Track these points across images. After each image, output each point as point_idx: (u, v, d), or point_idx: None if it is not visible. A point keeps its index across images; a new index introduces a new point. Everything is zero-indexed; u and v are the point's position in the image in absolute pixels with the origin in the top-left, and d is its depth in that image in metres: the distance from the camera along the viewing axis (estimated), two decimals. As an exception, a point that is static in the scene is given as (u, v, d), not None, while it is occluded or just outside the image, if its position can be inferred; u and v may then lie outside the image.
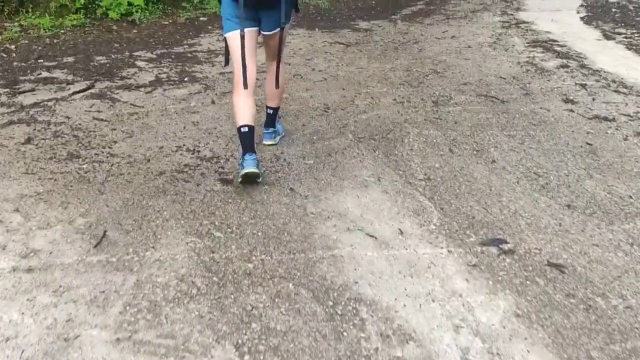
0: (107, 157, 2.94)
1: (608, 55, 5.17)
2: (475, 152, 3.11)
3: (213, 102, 3.91)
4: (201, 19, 6.79)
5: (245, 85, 2.74)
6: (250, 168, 2.57)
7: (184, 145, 3.15)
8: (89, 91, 4.04)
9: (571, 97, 4.04)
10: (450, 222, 2.39)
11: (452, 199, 2.59)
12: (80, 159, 2.89)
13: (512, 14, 7.24)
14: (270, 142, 3.17)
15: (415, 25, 6.87)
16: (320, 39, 6.18)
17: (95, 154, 2.97)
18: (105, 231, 2.21)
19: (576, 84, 4.38)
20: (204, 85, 4.29)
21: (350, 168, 2.89)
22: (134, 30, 6.03)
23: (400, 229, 2.32)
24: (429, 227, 2.35)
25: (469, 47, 5.69)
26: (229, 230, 2.28)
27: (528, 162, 2.99)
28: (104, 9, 6.25)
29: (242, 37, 2.64)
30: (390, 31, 6.58)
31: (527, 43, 5.73)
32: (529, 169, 2.91)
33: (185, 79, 4.45)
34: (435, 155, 3.06)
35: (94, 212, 2.36)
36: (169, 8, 6.88)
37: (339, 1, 8.71)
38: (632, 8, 7.05)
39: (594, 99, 4.01)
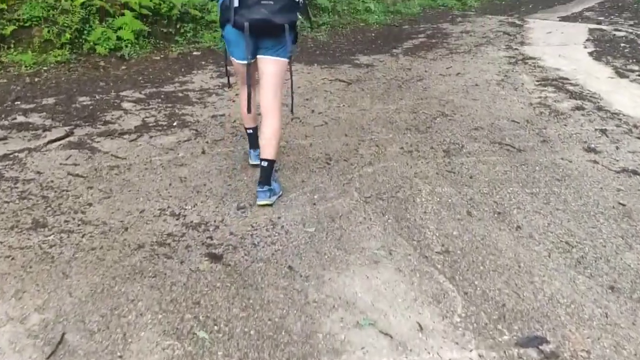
0: (79, 225, 2.57)
1: (624, 96, 4.88)
2: (496, 215, 2.76)
3: (204, 152, 3.56)
4: (194, 53, 6.50)
5: (249, 110, 2.90)
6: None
7: (168, 207, 2.79)
8: (67, 139, 3.69)
9: (593, 146, 3.72)
10: (477, 312, 2.02)
11: (477, 279, 2.22)
12: (47, 229, 2.52)
13: (517, 49, 6.99)
14: (264, 202, 2.84)
15: (418, 60, 6.60)
16: (319, 75, 5.88)
17: (65, 221, 2.60)
18: (63, 334, 1.82)
19: (595, 129, 4.06)
20: (194, 131, 3.95)
21: (357, 238, 2.53)
22: (123, 67, 5.72)
23: (419, 323, 1.95)
24: (453, 319, 1.98)
25: (476, 85, 5.40)
26: (215, 327, 1.90)
27: (557, 228, 2.64)
28: (92, 43, 5.94)
29: (249, 66, 2.77)
30: (392, 67, 6.30)
31: (537, 81, 5.45)
32: (559, 237, 2.56)
33: (175, 124, 4.11)
34: (452, 220, 2.71)
35: (53, 305, 1.97)
36: (161, 42, 6.58)
37: (338, 34, 8.47)
38: (641, 43, 6.83)
39: (617, 148, 3.69)
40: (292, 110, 3.23)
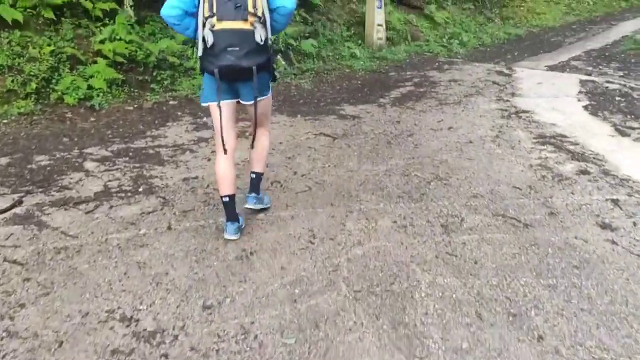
0: (1, 339, 2.08)
1: (630, 158, 4.56)
2: (511, 319, 2.33)
3: (169, 228, 3.11)
4: (170, 102, 6.11)
5: (225, 151, 3.03)
6: (230, 236, 3.02)
7: (118, 308, 2.32)
8: (13, 211, 3.22)
9: (607, 221, 3.35)
10: None
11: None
12: (-42, 347, 2.03)
13: (508, 100, 6.72)
14: (251, 206, 3.34)
15: (406, 112, 6.28)
16: (302, 129, 5.52)
17: (-14, 332, 2.12)
18: None
19: (606, 199, 3.70)
20: (161, 200, 3.51)
21: (347, 353, 2.08)
22: (92, 118, 5.30)
23: None
24: None
25: (471, 142, 5.06)
26: None
27: (586, 337, 2.21)
28: (60, 93, 5.53)
29: (220, 108, 2.96)
30: (380, 119, 5.97)
31: (534, 138, 5.13)
32: (591, 351, 2.13)
33: (140, 189, 3.67)
34: (459, 325, 2.27)
35: None
36: (136, 91, 6.19)
37: (323, 81, 8.18)
38: (636, 96, 6.59)
39: (635, 224, 3.31)
40: (252, 145, 3.33)
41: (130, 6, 6.70)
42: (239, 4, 2.75)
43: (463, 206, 3.57)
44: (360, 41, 10.38)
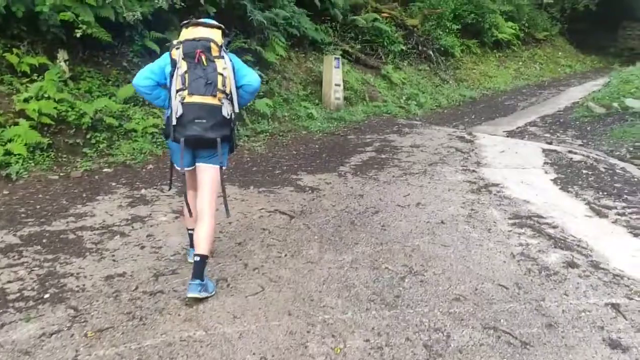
0: None
1: (615, 246, 4.15)
2: None
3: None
4: (105, 170, 5.39)
5: (190, 214, 3.27)
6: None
7: None
8: None
9: (614, 336, 2.84)
10: None
11: None
12: None
13: (475, 171, 6.35)
14: (194, 295, 3.02)
15: (369, 182, 5.79)
16: (256, 204, 4.90)
17: None
18: None
19: (605, 303, 3.21)
20: (71, 312, 2.76)
21: None
22: (4, 192, 4.50)
23: None
24: None
25: (442, 222, 4.56)
26: None
27: None
28: (-30, 159, 4.74)
29: (184, 175, 3.19)
30: (341, 192, 5.43)
31: (510, 219, 4.69)
32: None
33: (47, 295, 2.91)
34: None
35: None
36: (64, 156, 5.43)
37: (278, 144, 7.65)
38: (602, 169, 6.36)
39: (646, 340, 2.82)
40: (227, 214, 3.32)
41: (65, 61, 6.03)
42: (209, 82, 2.99)
43: (446, 314, 2.99)
44: (317, 101, 10.01)
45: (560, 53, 18.59)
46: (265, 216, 4.64)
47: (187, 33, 3.09)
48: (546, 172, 6.31)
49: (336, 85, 10.03)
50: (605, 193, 5.44)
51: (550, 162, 6.74)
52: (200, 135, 3.00)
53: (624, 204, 5.13)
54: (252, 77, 3.23)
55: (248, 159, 6.70)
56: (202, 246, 3.10)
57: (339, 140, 8.25)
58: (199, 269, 3.07)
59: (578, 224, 4.62)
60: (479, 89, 14.51)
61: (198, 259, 3.07)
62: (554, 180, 5.95)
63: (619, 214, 4.87)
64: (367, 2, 13.06)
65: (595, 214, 4.88)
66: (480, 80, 15.18)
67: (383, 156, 7.17)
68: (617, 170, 6.35)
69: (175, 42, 3.08)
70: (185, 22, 3.18)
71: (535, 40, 18.15)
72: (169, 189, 4.00)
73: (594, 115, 9.87)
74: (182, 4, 7.17)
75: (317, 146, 7.79)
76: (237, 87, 3.17)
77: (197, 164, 3.19)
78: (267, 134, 7.99)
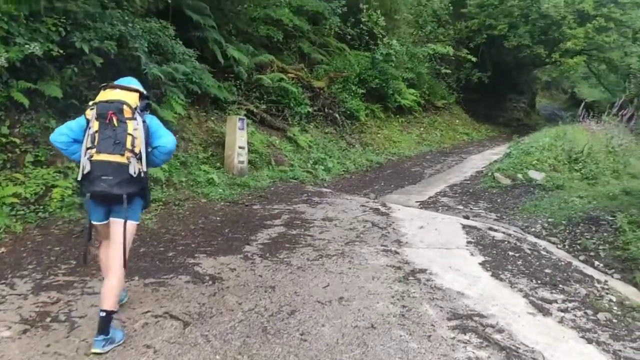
0: None
1: (572, 356, 3.60)
2: None
3: None
4: None
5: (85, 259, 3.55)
6: (96, 349, 3.15)
7: None
8: None
9: None
10: None
11: None
12: None
13: (397, 252, 5.71)
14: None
15: (281, 269, 4.92)
16: (140, 304, 3.85)
17: None
18: None
19: None
20: None
21: None
22: None
23: None
24: None
25: (373, 327, 3.79)
26: None
27: None
28: None
29: (91, 227, 3.47)
30: (248, 282, 4.52)
31: (449, 319, 4.01)
32: None
33: None
34: None
35: None
36: None
37: (174, 216, 6.61)
38: (527, 250, 6.01)
39: None
40: (125, 265, 3.37)
41: None
42: (118, 141, 3.19)
43: None
44: (219, 164, 9.09)
45: (457, 121, 19.33)
46: (152, 323, 3.60)
47: (103, 95, 3.31)
48: (472, 254, 5.81)
49: (240, 147, 9.21)
50: (540, 282, 4.99)
51: (473, 241, 6.29)
52: (107, 192, 3.20)
53: (562, 296, 4.68)
54: (167, 140, 3.46)
55: (135, 237, 5.57)
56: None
57: (244, 211, 7.35)
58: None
59: (524, 325, 4.04)
60: (384, 153, 14.39)
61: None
62: (483, 265, 5.45)
63: (561, 310, 4.39)
64: (273, 61, 12.57)
65: (537, 310, 4.36)
66: (385, 145, 15.13)
67: (294, 232, 6.36)
68: (542, 252, 6.03)
69: (91, 103, 3.31)
70: (103, 84, 3.39)
71: (435, 108, 18.74)
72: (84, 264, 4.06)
73: (501, 187, 9.86)
74: (60, 52, 6.08)
75: (218, 218, 6.83)
76: (153, 148, 3.42)
77: (110, 218, 3.37)
78: (161, 203, 6.91)
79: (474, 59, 18.33)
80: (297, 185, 9.59)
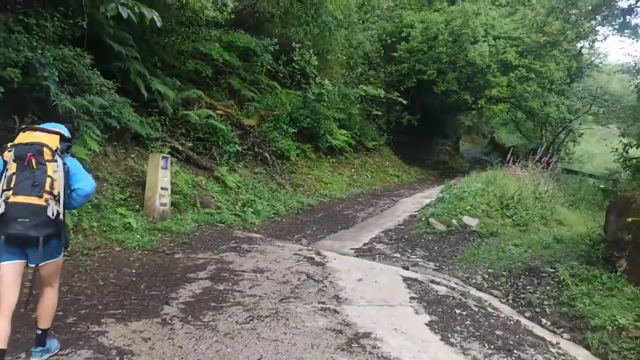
0: None
1: None
2: None
3: None
4: None
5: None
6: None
7: None
8: None
9: None
10: None
11: None
12: None
13: (336, 311, 5.16)
14: (38, 359, 3.51)
15: (205, 336, 4.24)
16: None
17: None
18: None
19: None
20: None
21: None
22: None
23: None
24: None
25: (315, 414, 3.18)
26: None
27: None
28: None
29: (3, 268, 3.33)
30: (165, 355, 3.79)
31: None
32: None
33: None
34: None
35: None
36: None
37: (80, 270, 5.80)
38: (474, 307, 5.65)
39: None
40: (25, 308, 3.54)
41: None
42: (36, 183, 3.25)
43: None
44: (138, 207, 8.25)
45: (388, 162, 19.37)
46: None
47: (23, 137, 3.34)
48: (417, 312, 5.37)
49: (162, 188, 8.42)
50: (493, 347, 4.59)
51: (416, 296, 5.86)
52: (21, 233, 3.20)
53: (518, 364, 4.30)
54: (86, 182, 3.56)
55: (29, 299, 4.67)
56: (44, 322, 3.57)
57: (164, 261, 6.57)
58: (42, 339, 3.56)
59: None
60: (315, 195, 13.96)
61: (40, 332, 3.55)
62: (430, 326, 5.00)
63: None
64: (201, 97, 11.95)
65: (493, 381, 3.93)
66: (316, 186, 14.72)
67: (221, 287, 5.67)
68: (488, 309, 5.70)
69: (9, 144, 3.32)
70: (22, 127, 3.49)
71: (366, 149, 18.70)
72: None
73: (436, 233, 9.64)
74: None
75: (134, 271, 6.03)
76: (72, 190, 3.49)
77: (29, 264, 3.40)
78: (66, 253, 5.98)
79: (404, 102, 18.57)
80: (224, 230, 8.89)
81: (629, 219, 5.80)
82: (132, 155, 9.13)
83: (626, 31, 12.60)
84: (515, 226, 10.18)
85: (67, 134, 3.57)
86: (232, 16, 11.85)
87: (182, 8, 11.05)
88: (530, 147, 22.71)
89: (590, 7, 11.18)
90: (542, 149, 15.00)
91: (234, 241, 8.08)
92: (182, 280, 5.81)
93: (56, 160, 3.32)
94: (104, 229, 7.11)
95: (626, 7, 11.16)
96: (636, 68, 12.27)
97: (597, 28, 13.38)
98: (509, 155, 13.71)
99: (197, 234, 8.31)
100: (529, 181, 12.84)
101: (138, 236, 7.29)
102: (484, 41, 17.28)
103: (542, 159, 14.55)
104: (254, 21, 15.24)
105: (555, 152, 18.68)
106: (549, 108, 18.47)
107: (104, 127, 8.16)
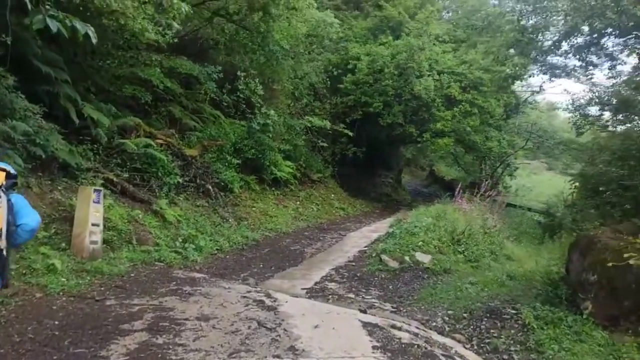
0: None
1: None
2: None
3: None
4: None
5: None
6: None
7: None
8: None
9: None
10: None
11: None
12: None
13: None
14: None
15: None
16: None
17: None
18: None
19: None
20: None
21: None
22: None
23: None
24: None
25: None
26: None
27: None
28: None
29: None
30: None
31: None
32: None
33: None
34: None
35: None
36: None
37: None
38: (441, 357, 5.20)
39: None
40: None
41: None
42: None
43: None
44: (64, 245, 7.39)
45: (333, 195, 19.01)
46: None
47: None
48: (382, 366, 4.87)
49: (94, 225, 7.59)
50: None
51: (379, 345, 5.37)
52: None
53: None
54: (30, 218, 3.64)
55: None
56: None
57: (93, 309, 5.77)
58: None
59: None
60: (260, 229, 13.31)
61: None
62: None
63: None
64: (140, 125, 11.17)
65: None
66: (261, 220, 14.08)
67: (160, 340, 4.98)
68: (456, 357, 5.27)
69: None
70: None
71: (311, 181, 18.28)
72: None
73: (389, 270, 9.26)
74: None
75: (57, 322, 5.22)
76: (16, 226, 3.54)
77: None
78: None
79: (350, 134, 18.39)
80: (163, 270, 8.11)
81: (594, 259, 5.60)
82: (60, 188, 8.23)
83: (550, 71, 13.14)
84: (467, 262, 9.97)
85: (12, 171, 3.64)
86: (175, 40, 11.23)
87: (120, 30, 10.33)
88: (470, 180, 23.09)
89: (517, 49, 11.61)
90: (487, 182, 15.13)
91: (174, 283, 7.33)
92: (114, 333, 5.06)
93: (0, 196, 3.41)
94: (23, 271, 6.24)
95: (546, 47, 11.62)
96: (574, 105, 12.62)
97: (528, 68, 13.83)
98: (458, 189, 13.69)
99: (132, 275, 7.50)
100: (476, 215, 12.80)
101: (63, 279, 6.44)
102: (429, 75, 17.48)
103: (487, 193, 14.64)
104: (197, 48, 14.66)
105: (494, 185, 18.98)
106: (490, 142, 18.86)
107: (27, 156, 7.30)
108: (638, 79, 10.06)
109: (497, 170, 23.72)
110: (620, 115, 9.44)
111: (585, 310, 5.65)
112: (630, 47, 10.92)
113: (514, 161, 23.44)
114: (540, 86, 15.92)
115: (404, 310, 7.11)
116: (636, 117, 8.89)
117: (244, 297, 6.87)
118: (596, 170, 7.34)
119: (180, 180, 11.49)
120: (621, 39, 10.87)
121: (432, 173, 35.99)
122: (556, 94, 74.89)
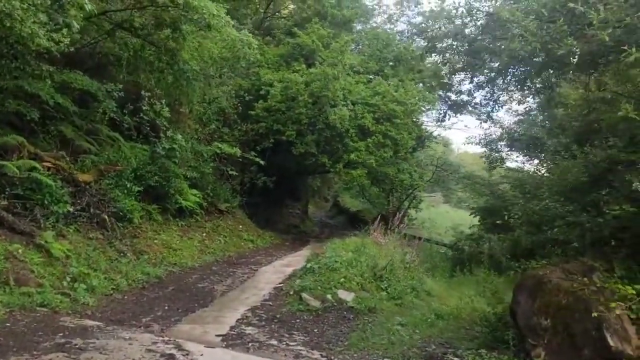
0: None
1: None
2: None
3: None
4: None
5: None
6: None
7: None
8: None
9: None
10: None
11: None
12: None
13: None
14: None
15: None
16: None
17: None
18: None
19: None
20: None
21: None
22: None
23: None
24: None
25: None
26: None
27: None
28: None
29: None
30: None
31: None
32: None
33: None
34: None
35: None
36: None
37: None
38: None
39: None
40: None
41: None
42: None
43: None
44: None
45: (241, 226, 17.96)
46: None
47: None
48: None
49: (-42, 264, 6.11)
50: None
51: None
52: None
53: None
54: None
55: None
56: None
57: (-51, 377, 4.42)
58: None
59: None
60: (163, 264, 12.01)
61: None
62: None
63: None
64: (23, 145, 9.66)
65: None
66: (164, 253, 12.76)
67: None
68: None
69: None
70: None
71: (219, 211, 17.15)
72: None
73: (311, 310, 8.51)
74: None
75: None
76: None
77: None
78: None
79: (261, 162, 17.59)
80: (47, 317, 6.77)
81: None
82: None
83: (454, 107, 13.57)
84: (390, 299, 9.51)
85: None
86: (72, 49, 9.89)
87: (4, 35, 8.90)
88: (375, 212, 23.13)
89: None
90: (400, 215, 14.98)
91: (61, 334, 6.07)
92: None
93: None
94: None
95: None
96: (486, 141, 12.94)
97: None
98: (376, 221, 13.34)
99: (7, 324, 6.14)
100: (393, 249, 12.50)
101: None
102: (344, 105, 17.26)
103: (401, 226, 14.48)
104: (95, 62, 13.26)
105: (402, 218, 19.04)
106: (402, 175, 18.93)
107: None
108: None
109: (404, 203, 23.98)
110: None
111: (537, 358, 5.26)
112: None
113: (419, 194, 23.83)
114: (444, 119, 16.35)
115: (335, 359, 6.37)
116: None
117: (150, 350, 5.78)
118: (541, 206, 7.21)
119: (71, 209, 10.04)
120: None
121: (337, 204, 35.92)
122: (456, 130, 79.57)
